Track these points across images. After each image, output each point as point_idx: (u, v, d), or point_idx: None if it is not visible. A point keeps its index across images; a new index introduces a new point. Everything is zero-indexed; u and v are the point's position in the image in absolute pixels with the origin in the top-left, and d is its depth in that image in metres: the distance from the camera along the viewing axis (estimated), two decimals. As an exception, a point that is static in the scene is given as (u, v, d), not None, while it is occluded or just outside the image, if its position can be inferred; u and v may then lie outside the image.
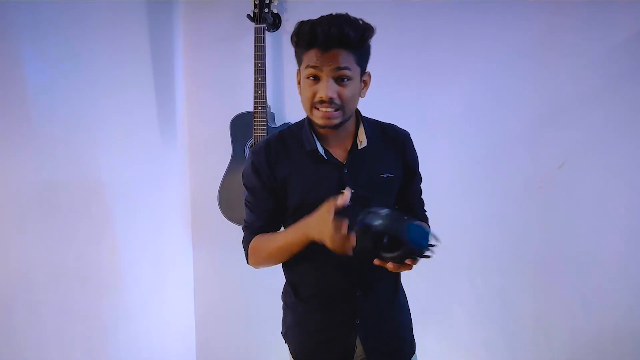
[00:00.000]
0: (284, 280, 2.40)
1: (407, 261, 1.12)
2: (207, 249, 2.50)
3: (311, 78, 1.21)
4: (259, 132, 2.15)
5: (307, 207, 1.24)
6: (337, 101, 1.21)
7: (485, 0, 2.08)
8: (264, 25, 2.11)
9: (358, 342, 1.39)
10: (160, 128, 2.23)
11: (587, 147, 2.10)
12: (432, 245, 1.12)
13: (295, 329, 1.44)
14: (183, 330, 2.51)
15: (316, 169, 1.29)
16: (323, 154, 1.30)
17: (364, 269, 1.33)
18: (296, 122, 1.39)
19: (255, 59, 2.09)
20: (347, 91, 1.21)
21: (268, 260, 1.35)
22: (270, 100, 2.23)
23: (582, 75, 2.06)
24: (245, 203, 1.38)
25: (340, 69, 1.19)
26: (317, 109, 1.22)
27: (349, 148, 1.32)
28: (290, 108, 2.30)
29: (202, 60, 2.36)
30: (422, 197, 1.51)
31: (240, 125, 2.20)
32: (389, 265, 1.13)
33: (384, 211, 1.11)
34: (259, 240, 1.34)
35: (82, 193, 1.74)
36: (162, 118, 2.24)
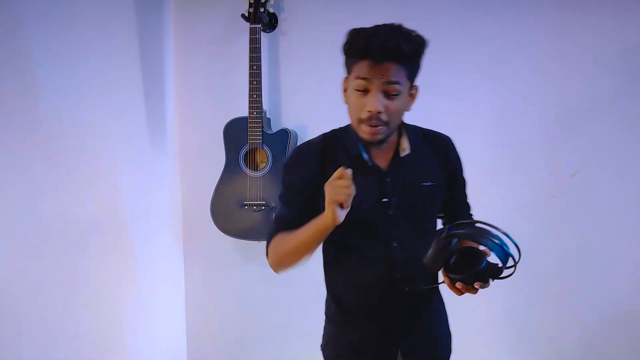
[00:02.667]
0: (280, 298, 2.36)
1: (476, 284, 1.15)
2: (200, 263, 2.47)
3: (360, 90, 1.23)
4: (254, 139, 2.12)
5: (350, 213, 1.26)
6: (384, 117, 1.22)
7: (494, -1, 2.09)
8: (260, 25, 2.09)
9: (399, 356, 1.39)
10: (150, 134, 2.21)
11: (601, 155, 2.07)
12: (510, 267, 1.13)
13: (335, 341, 1.45)
14: (174, 349, 2.47)
15: (357, 174, 1.26)
16: (367, 161, 1.32)
17: (407, 281, 1.34)
18: (340, 127, 1.40)
19: (250, 61, 2.08)
20: (394, 105, 1.23)
21: (286, 256, 1.33)
22: (266, 105, 2.21)
23: (597, 78, 2.04)
24: (279, 196, 1.41)
25: (390, 83, 1.21)
26: (364, 124, 1.25)
27: (391, 156, 1.34)
28: (287, 113, 2.28)
29: (194, 62, 2.35)
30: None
31: (235, 131, 2.17)
32: (457, 287, 1.17)
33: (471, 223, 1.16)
34: (281, 236, 1.35)
35: (66, 203, 1.73)
36: (151, 123, 2.21)
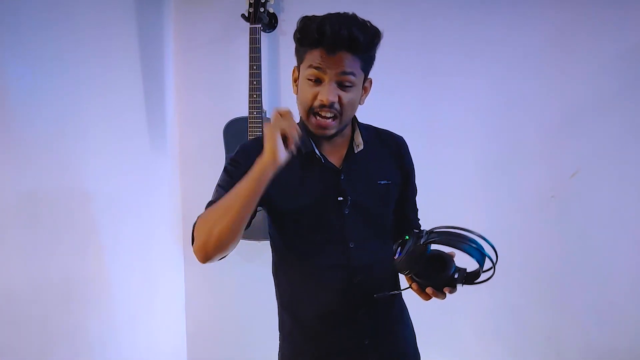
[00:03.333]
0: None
1: (445, 289, 1.12)
2: (200, 263, 2.38)
3: (312, 80, 1.17)
4: None
5: (303, 212, 1.23)
6: (337, 106, 1.17)
7: (494, -1, 2.08)
8: (260, 25, 2.07)
9: None
10: (150, 134, 2.19)
11: (601, 155, 2.07)
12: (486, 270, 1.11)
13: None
14: (174, 348, 2.46)
15: (309, 171, 1.25)
16: (321, 158, 1.26)
17: (367, 285, 1.28)
18: None
19: (250, 61, 2.07)
20: (348, 97, 1.18)
21: (216, 226, 1.09)
22: (266, 105, 2.19)
23: (597, 78, 2.03)
24: (218, 183, 1.25)
25: (345, 73, 1.16)
26: (314, 116, 1.19)
27: (344, 154, 1.28)
28: None
29: (194, 63, 2.33)
30: (419, 205, 1.48)
31: (235, 132, 2.16)
32: (427, 292, 1.13)
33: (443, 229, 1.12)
34: (208, 209, 1.17)
35: (67, 204, 1.71)
36: (151, 124, 2.20)
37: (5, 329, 1.47)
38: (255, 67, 2.04)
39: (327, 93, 1.15)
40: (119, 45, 2.00)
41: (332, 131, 1.20)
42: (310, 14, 2.16)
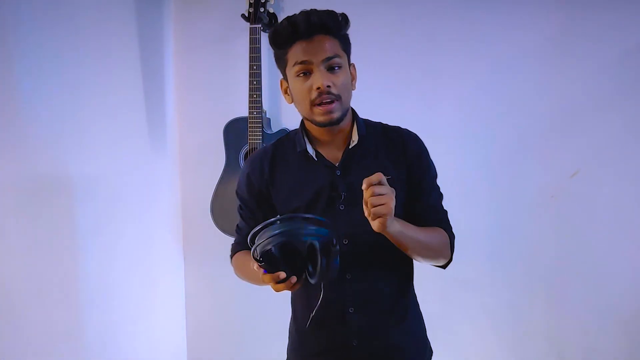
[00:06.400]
0: (280, 297, 2.32)
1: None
2: (200, 262, 2.45)
3: (301, 74, 1.19)
4: (254, 139, 2.11)
5: (298, 211, 1.24)
6: (334, 90, 1.18)
7: (494, -1, 2.07)
8: (260, 25, 2.08)
9: None
10: (150, 134, 2.20)
11: (601, 155, 2.06)
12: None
13: (292, 355, 1.40)
14: (174, 348, 2.46)
15: (306, 171, 1.27)
16: (313, 155, 1.28)
17: (359, 282, 1.27)
18: (295, 128, 1.37)
19: (250, 61, 2.07)
20: (340, 80, 1.19)
21: (245, 279, 1.36)
22: (266, 105, 2.19)
23: (597, 78, 2.03)
24: (237, 208, 1.39)
25: (329, 58, 1.18)
26: (317, 106, 1.19)
27: (343, 150, 1.28)
28: (287, 113, 2.26)
29: (194, 63, 2.33)
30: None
31: (235, 131, 2.15)
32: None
33: (273, 228, 1.06)
34: (240, 258, 1.35)
35: (67, 203, 1.72)
36: (151, 123, 2.20)
37: (5, 329, 1.47)
38: (255, 67, 2.04)
39: (321, 78, 1.16)
40: (119, 45, 2.00)
41: (338, 114, 1.19)
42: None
